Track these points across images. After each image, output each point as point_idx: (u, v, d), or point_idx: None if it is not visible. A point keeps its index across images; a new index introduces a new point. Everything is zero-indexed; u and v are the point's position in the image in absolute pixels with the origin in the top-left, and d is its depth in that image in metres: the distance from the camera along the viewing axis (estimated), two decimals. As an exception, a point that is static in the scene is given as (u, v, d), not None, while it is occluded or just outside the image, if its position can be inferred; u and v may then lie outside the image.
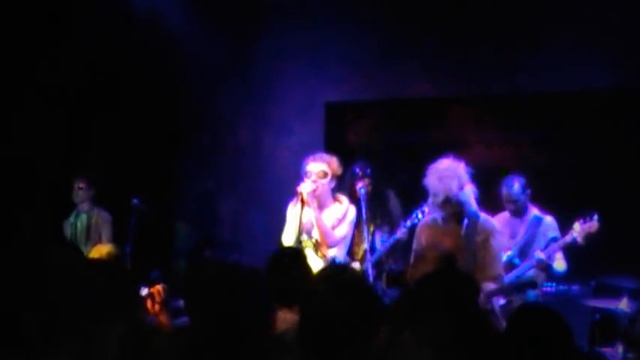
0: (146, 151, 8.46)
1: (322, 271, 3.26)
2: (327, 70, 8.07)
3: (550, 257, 6.40)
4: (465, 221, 5.38)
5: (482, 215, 5.49)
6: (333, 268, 3.20)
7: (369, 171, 6.72)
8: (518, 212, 6.69)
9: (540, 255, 6.38)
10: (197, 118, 8.80)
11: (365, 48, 7.89)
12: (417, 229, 5.68)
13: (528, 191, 6.72)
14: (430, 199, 5.40)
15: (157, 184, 8.50)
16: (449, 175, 5.28)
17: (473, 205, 5.39)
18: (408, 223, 6.36)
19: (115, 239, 7.27)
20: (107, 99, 8.28)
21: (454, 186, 5.26)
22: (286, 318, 3.64)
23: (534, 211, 6.72)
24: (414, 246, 5.54)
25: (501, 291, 5.52)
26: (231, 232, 8.56)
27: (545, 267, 6.44)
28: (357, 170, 6.68)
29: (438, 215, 5.45)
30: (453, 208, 5.34)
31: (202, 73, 8.56)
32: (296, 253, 4.48)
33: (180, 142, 8.87)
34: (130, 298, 2.65)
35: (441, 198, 5.29)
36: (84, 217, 7.76)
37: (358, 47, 7.90)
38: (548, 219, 6.67)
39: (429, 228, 5.54)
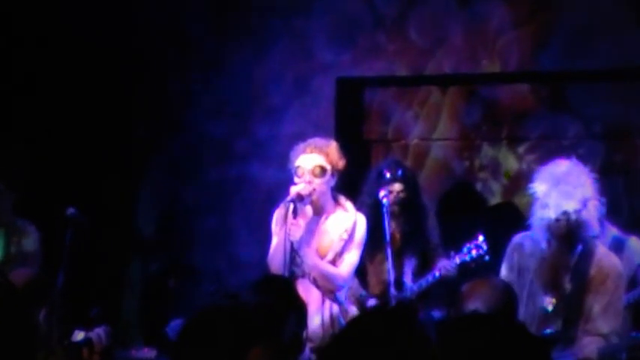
0: (87, 143, 7.87)
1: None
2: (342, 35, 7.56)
3: None
4: (579, 249, 4.90)
5: (602, 247, 5.07)
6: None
7: (400, 173, 6.02)
8: None
9: None
10: (159, 99, 8.20)
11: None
12: (509, 249, 5.14)
13: (604, 200, 5.93)
14: (536, 213, 4.85)
15: (102, 188, 7.91)
16: (570, 183, 4.81)
17: (595, 228, 4.87)
18: (457, 259, 5.91)
19: (45, 262, 6.80)
20: (32, 75, 7.78)
21: (575, 200, 4.75)
22: None
23: (613, 230, 5.99)
24: (503, 273, 5.09)
25: (612, 352, 4.90)
26: (206, 256, 7.99)
27: None
28: (385, 172, 6.03)
29: (541, 235, 4.86)
30: (566, 230, 4.76)
31: (167, 43, 8.05)
32: (284, 286, 4.22)
33: (135, 132, 8.28)
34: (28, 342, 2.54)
35: (552, 214, 4.71)
36: (1, 231, 7.10)
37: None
38: (634, 240, 6.03)
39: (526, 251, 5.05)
